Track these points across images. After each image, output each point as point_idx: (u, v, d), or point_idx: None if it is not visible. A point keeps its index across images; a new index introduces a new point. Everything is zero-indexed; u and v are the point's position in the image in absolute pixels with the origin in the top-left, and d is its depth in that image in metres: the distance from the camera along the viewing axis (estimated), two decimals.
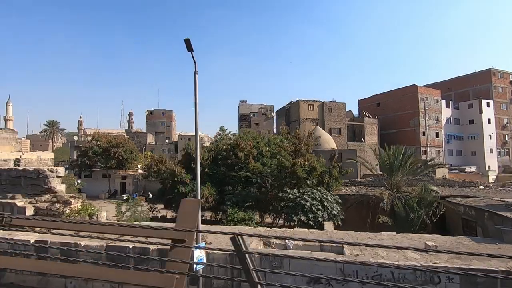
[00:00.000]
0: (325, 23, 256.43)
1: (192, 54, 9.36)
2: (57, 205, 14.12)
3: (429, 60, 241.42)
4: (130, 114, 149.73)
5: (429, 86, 58.97)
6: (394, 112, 55.50)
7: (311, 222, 15.22)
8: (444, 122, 55.41)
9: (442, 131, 54.69)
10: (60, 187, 14.93)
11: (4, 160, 40.54)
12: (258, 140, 19.41)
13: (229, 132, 22.32)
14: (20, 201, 13.85)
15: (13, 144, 46.40)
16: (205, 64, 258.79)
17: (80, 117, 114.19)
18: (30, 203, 13.85)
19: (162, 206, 22.00)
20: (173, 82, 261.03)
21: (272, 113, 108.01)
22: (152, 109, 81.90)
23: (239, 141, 18.79)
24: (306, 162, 17.43)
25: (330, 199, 16.49)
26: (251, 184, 18.01)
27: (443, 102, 55.85)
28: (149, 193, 24.73)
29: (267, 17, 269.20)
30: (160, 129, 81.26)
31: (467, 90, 60.28)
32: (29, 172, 14.59)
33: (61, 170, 15.27)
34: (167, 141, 77.42)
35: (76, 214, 13.62)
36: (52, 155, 38.10)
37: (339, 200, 17.21)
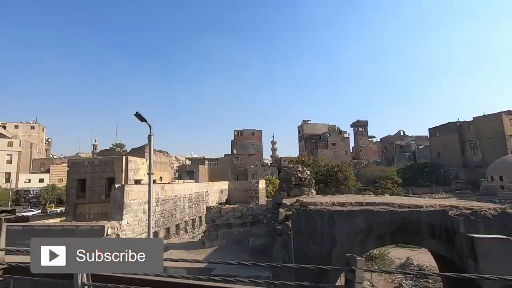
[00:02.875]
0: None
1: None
2: None
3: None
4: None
5: None
6: None
7: None
8: None
9: None
10: None
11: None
12: None
13: None
14: None
15: (169, 170, 38.40)
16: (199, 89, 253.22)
17: (95, 140, 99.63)
18: None
19: None
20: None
21: (347, 133, 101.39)
22: (241, 129, 74.62)
23: None
24: None
25: None
26: None
27: None
28: None
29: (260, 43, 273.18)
30: (251, 151, 73.48)
31: None
32: None
33: None
34: (269, 164, 69.54)
35: None
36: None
37: None
